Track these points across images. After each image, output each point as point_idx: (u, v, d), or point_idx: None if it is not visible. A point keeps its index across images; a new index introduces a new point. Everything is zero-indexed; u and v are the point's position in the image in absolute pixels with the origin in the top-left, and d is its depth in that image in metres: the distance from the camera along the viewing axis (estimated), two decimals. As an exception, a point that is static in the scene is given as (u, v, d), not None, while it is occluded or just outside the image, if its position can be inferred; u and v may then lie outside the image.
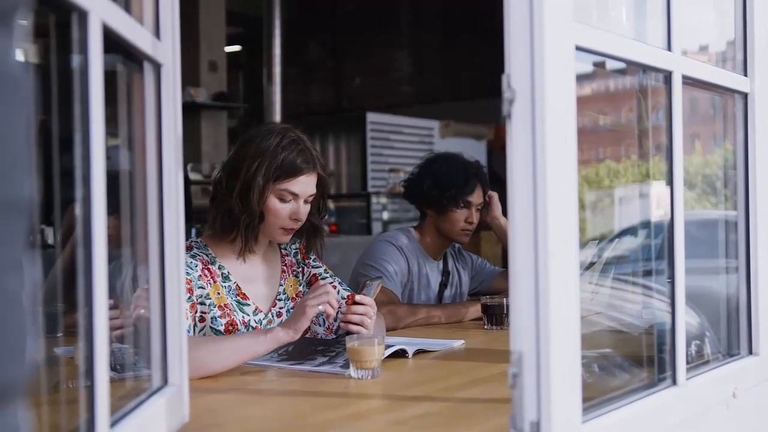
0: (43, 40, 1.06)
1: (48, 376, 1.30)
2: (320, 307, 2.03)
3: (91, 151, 1.04)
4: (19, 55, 0.63)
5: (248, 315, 2.29)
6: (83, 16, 1.03)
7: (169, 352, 1.43)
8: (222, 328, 2.22)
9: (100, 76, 1.06)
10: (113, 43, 1.16)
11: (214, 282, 2.26)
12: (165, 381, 1.43)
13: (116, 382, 1.31)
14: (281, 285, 2.42)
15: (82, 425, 1.05)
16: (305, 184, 2.28)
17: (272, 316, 2.35)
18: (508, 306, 2.72)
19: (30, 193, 0.62)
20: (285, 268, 2.45)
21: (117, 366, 1.42)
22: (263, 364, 2.07)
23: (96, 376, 1.04)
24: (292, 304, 2.41)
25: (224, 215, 2.27)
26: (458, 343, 2.42)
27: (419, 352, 2.25)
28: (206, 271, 2.24)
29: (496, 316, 2.73)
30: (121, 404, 1.25)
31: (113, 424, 1.13)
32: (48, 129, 1.03)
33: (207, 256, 2.28)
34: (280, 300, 2.40)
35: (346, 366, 1.96)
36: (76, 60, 1.05)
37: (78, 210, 1.05)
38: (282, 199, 2.26)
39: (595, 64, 1.54)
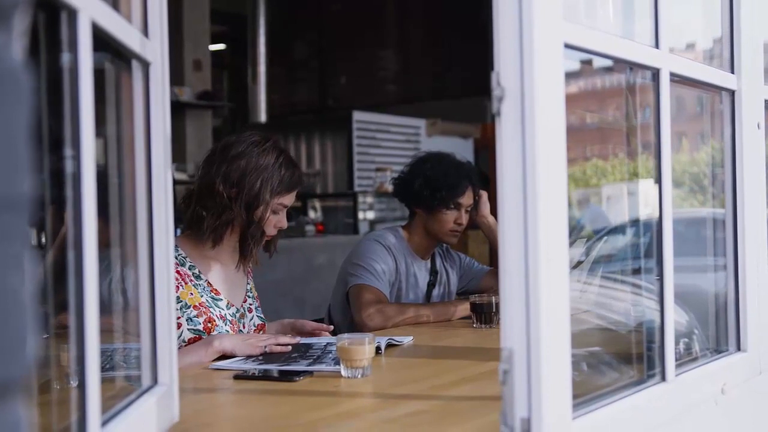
0: (31, 38, 1.05)
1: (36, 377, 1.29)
2: (266, 349, 2.20)
3: (81, 151, 1.04)
4: (18, 53, 0.63)
5: (223, 309, 2.39)
6: (72, 14, 1.03)
7: (158, 351, 1.42)
8: (201, 327, 2.31)
9: (89, 75, 1.05)
10: (101, 41, 1.15)
11: (186, 283, 2.34)
12: (155, 380, 1.42)
13: (105, 381, 1.31)
14: (248, 284, 2.56)
15: (73, 425, 1.04)
16: (294, 196, 2.46)
17: (244, 311, 2.49)
18: (496, 304, 2.74)
19: (30, 190, 0.62)
20: (249, 270, 2.58)
21: (105, 365, 1.42)
22: (249, 367, 2.06)
23: (87, 376, 1.04)
24: (257, 303, 2.57)
25: (224, 225, 2.36)
26: (408, 339, 2.47)
27: (389, 346, 2.32)
28: (176, 274, 2.27)
29: (485, 315, 2.73)
30: (110, 403, 1.24)
31: (103, 423, 1.13)
32: (35, 128, 1.02)
33: (176, 258, 2.34)
34: (249, 297, 2.54)
35: (337, 362, 1.96)
36: (65, 58, 1.05)
37: (67, 210, 1.05)
38: (274, 212, 2.40)
39: (582, 62, 1.54)
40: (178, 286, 2.28)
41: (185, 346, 2.23)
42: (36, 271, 0.65)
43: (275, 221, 2.41)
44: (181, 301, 2.29)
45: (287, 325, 2.59)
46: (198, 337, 2.28)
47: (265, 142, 2.40)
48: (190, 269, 2.37)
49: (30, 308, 0.62)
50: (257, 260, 2.53)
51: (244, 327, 2.45)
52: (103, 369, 1.13)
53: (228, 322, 2.37)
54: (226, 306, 2.40)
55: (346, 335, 2.02)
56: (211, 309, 2.35)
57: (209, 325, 2.32)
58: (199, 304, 2.33)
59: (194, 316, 2.30)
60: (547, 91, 1.22)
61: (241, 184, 2.33)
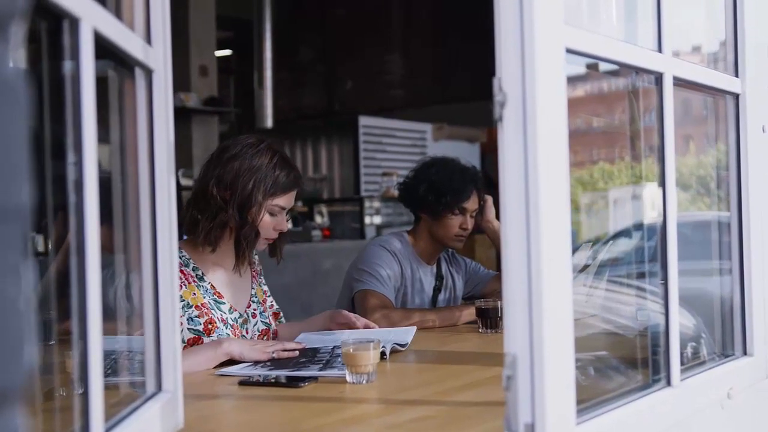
0: (34, 46, 1.06)
1: (41, 384, 1.30)
2: (274, 354, 2.20)
3: (84, 158, 1.04)
4: (16, 62, 0.63)
5: (225, 313, 2.39)
6: (75, 23, 1.03)
7: (162, 358, 1.43)
8: (201, 327, 2.32)
9: (91, 83, 1.06)
10: (104, 49, 1.16)
11: (189, 283, 2.35)
12: (159, 387, 1.42)
13: (109, 388, 1.31)
14: (253, 288, 2.55)
15: (77, 432, 1.05)
16: (292, 198, 2.44)
17: (248, 316, 2.48)
18: (502, 309, 2.73)
19: (27, 199, 0.62)
20: (254, 273, 2.58)
21: (108, 371, 1.42)
22: (257, 373, 2.06)
23: (90, 383, 1.04)
24: (262, 308, 2.55)
25: (219, 228, 2.36)
26: (412, 331, 2.52)
27: (394, 352, 2.32)
28: (180, 274, 2.27)
29: (491, 319, 2.73)
30: (114, 410, 1.25)
31: (107, 430, 1.13)
32: (39, 135, 1.03)
33: (180, 258, 2.34)
34: (253, 302, 2.53)
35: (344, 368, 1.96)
36: (67, 66, 1.05)
37: (70, 217, 1.05)
38: (271, 214, 2.39)
39: (588, 66, 1.54)
40: (181, 285, 2.28)
41: (188, 347, 2.25)
42: (35, 280, 0.65)
43: (274, 223, 2.40)
44: (184, 300, 2.29)
45: (333, 317, 2.61)
46: (198, 338, 2.29)
47: (260, 143, 2.40)
48: (194, 270, 2.37)
49: (27, 317, 0.62)
50: (251, 261, 2.52)
51: (247, 332, 2.45)
52: (106, 374, 1.13)
53: (229, 326, 2.37)
54: (229, 310, 2.40)
55: (350, 341, 2.02)
56: (212, 311, 2.35)
57: (209, 326, 2.32)
58: (201, 304, 2.33)
59: (195, 316, 2.31)
60: (549, 96, 1.22)
61: (234, 185, 2.33)
